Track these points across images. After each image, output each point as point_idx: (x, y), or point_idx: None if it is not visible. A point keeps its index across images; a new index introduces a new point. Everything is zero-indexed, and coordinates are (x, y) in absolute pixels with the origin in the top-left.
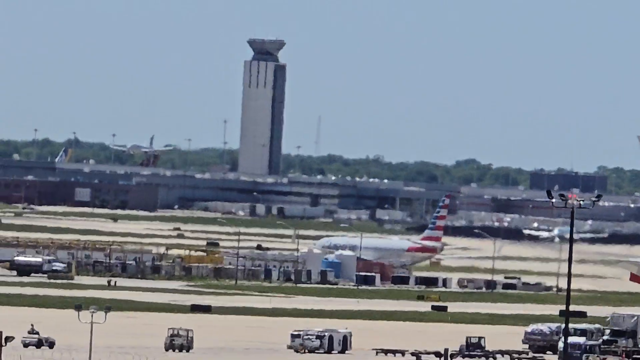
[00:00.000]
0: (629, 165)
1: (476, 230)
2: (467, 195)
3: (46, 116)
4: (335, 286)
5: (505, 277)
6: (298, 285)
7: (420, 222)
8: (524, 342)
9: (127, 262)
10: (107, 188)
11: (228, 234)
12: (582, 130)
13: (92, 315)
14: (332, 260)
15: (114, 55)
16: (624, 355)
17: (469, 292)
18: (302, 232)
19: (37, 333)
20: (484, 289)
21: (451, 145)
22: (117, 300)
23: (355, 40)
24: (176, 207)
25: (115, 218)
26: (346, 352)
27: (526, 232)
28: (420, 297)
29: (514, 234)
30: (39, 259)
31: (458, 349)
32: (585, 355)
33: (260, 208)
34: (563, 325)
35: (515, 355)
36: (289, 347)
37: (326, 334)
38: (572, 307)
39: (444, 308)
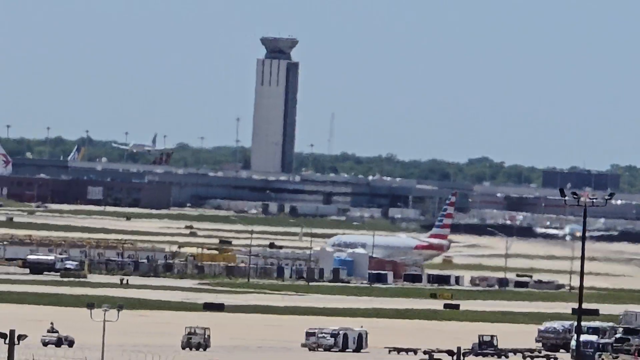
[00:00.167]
0: None
1: (488, 228)
2: (479, 194)
3: (59, 115)
4: (347, 284)
5: (518, 275)
6: (310, 283)
7: (433, 220)
8: (537, 340)
9: (140, 260)
10: (119, 186)
11: (241, 232)
12: (595, 129)
13: (104, 314)
14: (344, 259)
15: (127, 54)
16: (636, 354)
17: (481, 290)
18: (314, 230)
19: (57, 332)
20: (496, 287)
21: (464, 143)
22: (129, 298)
23: (368, 38)
24: (189, 205)
25: (127, 216)
26: (361, 350)
27: (537, 230)
28: (433, 295)
29: (525, 232)
30: (52, 257)
31: (470, 347)
32: (597, 353)
33: (273, 206)
34: (575, 323)
35: (528, 354)
36: (303, 345)
37: (341, 332)
38: (584, 305)
39: (457, 306)
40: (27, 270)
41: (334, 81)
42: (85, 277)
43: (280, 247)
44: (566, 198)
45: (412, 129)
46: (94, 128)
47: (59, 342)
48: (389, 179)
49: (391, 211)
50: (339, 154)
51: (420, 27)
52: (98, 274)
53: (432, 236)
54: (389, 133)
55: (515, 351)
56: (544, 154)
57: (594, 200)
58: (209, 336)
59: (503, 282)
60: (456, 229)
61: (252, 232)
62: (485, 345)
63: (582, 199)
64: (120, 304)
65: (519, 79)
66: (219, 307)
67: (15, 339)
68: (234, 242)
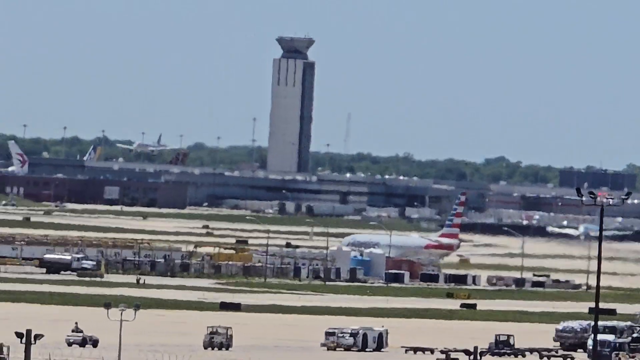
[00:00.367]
0: None
1: (505, 228)
2: (496, 193)
3: (75, 114)
4: (364, 284)
5: (535, 275)
6: (327, 283)
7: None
8: (554, 340)
9: (156, 260)
10: (136, 186)
11: (257, 231)
12: (612, 129)
13: (121, 313)
14: (361, 258)
15: (144, 54)
16: None
17: (498, 289)
18: (331, 230)
19: (81, 331)
20: (513, 287)
21: (480, 143)
22: (146, 298)
23: (385, 37)
24: (205, 205)
25: (144, 216)
26: (382, 350)
27: (551, 229)
28: (450, 295)
29: (540, 232)
30: (68, 257)
31: (487, 347)
32: (614, 352)
33: (290, 206)
34: (593, 323)
35: (545, 353)
36: (323, 345)
37: (360, 331)
38: (601, 305)
39: (473, 306)
40: (44, 270)
41: (351, 81)
42: (101, 276)
43: (297, 247)
44: (583, 198)
45: (428, 128)
46: (111, 128)
47: (83, 342)
48: (405, 178)
49: (408, 211)
50: (356, 153)
51: (437, 26)
52: (115, 274)
53: (442, 235)
54: (405, 133)
55: (532, 350)
56: (561, 153)
57: (611, 199)
58: (231, 336)
59: (520, 282)
60: (472, 228)
61: (268, 231)
62: (502, 344)
63: (598, 198)
64: (137, 304)
65: (536, 79)
66: (235, 307)
67: (32, 339)
68: (251, 241)
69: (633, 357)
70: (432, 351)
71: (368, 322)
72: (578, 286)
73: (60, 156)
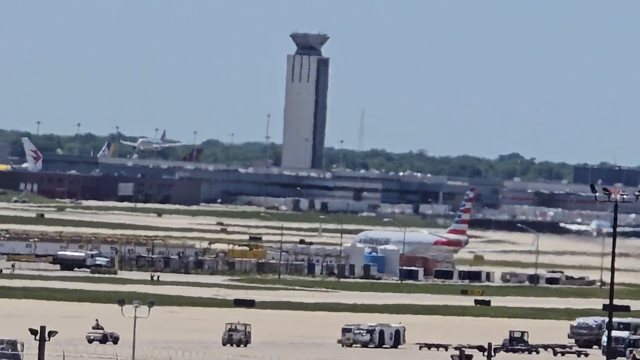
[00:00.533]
0: None
1: (518, 225)
2: (510, 190)
3: (89, 111)
4: (378, 280)
5: (549, 272)
6: (341, 279)
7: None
8: (569, 337)
9: (171, 256)
10: (150, 183)
11: (271, 228)
12: (625, 125)
13: (135, 310)
14: (375, 255)
15: (157, 50)
16: None
17: (512, 286)
18: (345, 226)
19: (102, 328)
20: (527, 283)
21: (494, 139)
22: (160, 295)
23: (399, 34)
24: (219, 201)
25: (158, 213)
26: (399, 346)
27: (564, 226)
28: (464, 292)
29: (552, 228)
30: (82, 254)
31: (501, 344)
32: (629, 349)
33: (304, 203)
34: (607, 319)
35: (559, 350)
36: (339, 342)
37: (377, 328)
38: (615, 301)
39: (487, 302)
40: (58, 267)
41: (365, 77)
42: (115, 273)
43: (311, 244)
44: (597, 194)
45: (442, 125)
46: (124, 124)
47: (104, 339)
48: (419, 175)
49: (422, 207)
50: (370, 150)
51: (450, 23)
52: (128, 271)
53: (451, 232)
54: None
55: (546, 347)
56: (575, 150)
57: (625, 196)
58: (249, 332)
59: (534, 279)
60: (486, 224)
61: (282, 228)
62: (516, 341)
63: (612, 195)
64: (151, 300)
65: (551, 76)
66: (249, 304)
67: (46, 335)
68: (265, 238)
69: None
70: (446, 348)
71: (381, 318)
72: (592, 282)
73: (74, 153)
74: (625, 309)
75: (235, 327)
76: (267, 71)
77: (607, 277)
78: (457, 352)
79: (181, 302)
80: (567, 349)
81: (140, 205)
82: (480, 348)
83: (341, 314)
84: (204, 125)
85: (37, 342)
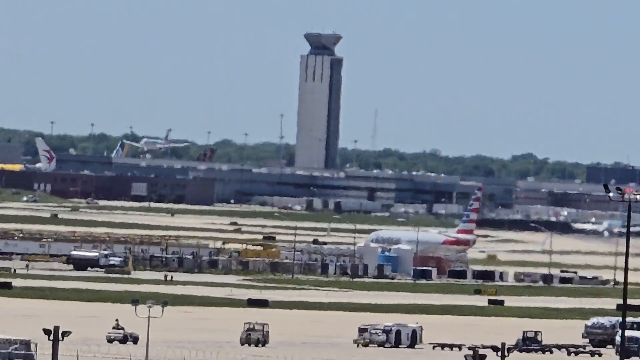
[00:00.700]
0: None
1: (531, 224)
2: (523, 189)
3: (102, 111)
4: (392, 280)
5: (562, 271)
6: (355, 279)
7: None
8: (584, 336)
9: (184, 256)
10: (163, 183)
11: (285, 228)
12: (639, 124)
13: (149, 310)
14: (389, 255)
15: (171, 51)
16: None
17: (525, 286)
18: (358, 226)
19: (122, 328)
20: (540, 283)
21: (508, 139)
22: (173, 294)
23: (411, 33)
24: (233, 201)
25: (172, 212)
26: (415, 346)
27: (575, 226)
28: (477, 291)
29: (564, 228)
30: (96, 254)
31: (515, 343)
32: None
33: (317, 202)
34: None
35: (572, 349)
36: (355, 342)
37: (393, 328)
38: (629, 301)
39: (501, 302)
40: (71, 267)
41: (378, 77)
42: (129, 273)
43: (324, 243)
44: (610, 194)
45: (456, 125)
46: (138, 124)
47: (124, 339)
48: (433, 175)
49: (435, 207)
50: (383, 149)
51: (464, 23)
52: (142, 270)
53: (459, 231)
54: (433, 129)
55: (559, 347)
56: (588, 149)
57: (638, 195)
58: (267, 332)
59: (547, 278)
60: (500, 224)
61: (296, 228)
62: (529, 341)
63: (626, 194)
64: (165, 300)
65: (564, 75)
66: (263, 303)
67: (60, 335)
68: (278, 238)
69: None
70: (459, 347)
71: (395, 318)
72: (606, 282)
73: (87, 153)
74: (639, 308)
75: (254, 326)
76: (280, 71)
77: (620, 277)
78: (471, 352)
79: (195, 302)
80: (581, 349)
81: (153, 205)
82: (494, 348)
83: (355, 314)
84: (217, 125)
85: (51, 342)
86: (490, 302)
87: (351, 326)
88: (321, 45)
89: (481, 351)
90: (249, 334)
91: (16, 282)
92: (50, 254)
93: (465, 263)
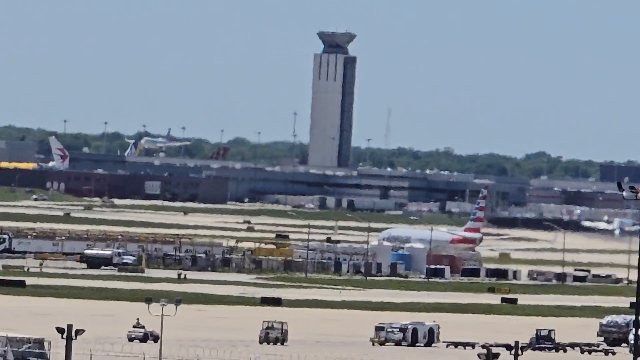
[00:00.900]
0: None
1: (544, 223)
2: (536, 188)
3: (116, 109)
4: (405, 279)
5: (576, 270)
6: (368, 278)
7: (490, 215)
8: (598, 335)
9: (197, 255)
10: (177, 181)
11: (298, 226)
12: None
13: (162, 308)
14: (402, 253)
15: (184, 50)
16: None
17: (539, 284)
18: (372, 224)
19: (143, 327)
20: (554, 282)
21: (521, 137)
22: (187, 293)
23: (425, 32)
24: (246, 200)
25: (185, 211)
26: (432, 345)
27: (586, 224)
28: (491, 290)
29: (575, 226)
30: (109, 252)
31: (528, 342)
32: None
33: (330, 201)
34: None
35: (586, 348)
36: (371, 340)
37: (410, 326)
38: None
39: (514, 300)
40: (85, 265)
41: (391, 75)
42: (142, 271)
43: (338, 242)
44: (624, 192)
45: (469, 123)
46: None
47: (145, 338)
48: (446, 173)
49: (448, 205)
50: (396, 148)
51: (476, 21)
52: (155, 269)
53: (466, 230)
54: (446, 127)
55: (573, 345)
56: (601, 148)
57: None
58: (286, 330)
59: (561, 277)
60: (513, 223)
61: (309, 226)
62: (543, 339)
63: (639, 193)
64: (178, 299)
65: (578, 74)
66: (276, 302)
67: (73, 334)
68: (292, 236)
69: None
70: (473, 346)
71: (409, 317)
72: (619, 280)
73: (101, 151)
74: None
75: (272, 325)
76: (294, 70)
77: (634, 275)
78: (484, 351)
79: (208, 301)
80: (594, 347)
81: (167, 203)
82: (507, 346)
83: (369, 312)
84: (231, 123)
85: (64, 341)
86: (503, 300)
87: (366, 325)
88: (335, 43)
89: (494, 350)
90: (268, 332)
91: (30, 281)
92: (64, 252)
93: (479, 261)
